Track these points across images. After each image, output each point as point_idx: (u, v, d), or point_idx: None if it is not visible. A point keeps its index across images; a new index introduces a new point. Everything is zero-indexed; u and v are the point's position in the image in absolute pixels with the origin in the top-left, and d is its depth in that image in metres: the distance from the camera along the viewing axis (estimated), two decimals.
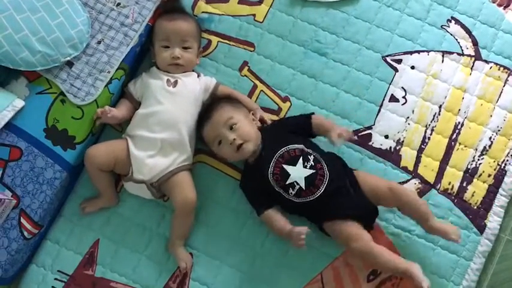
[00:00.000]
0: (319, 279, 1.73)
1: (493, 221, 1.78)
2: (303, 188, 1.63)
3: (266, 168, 1.65)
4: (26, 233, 1.65)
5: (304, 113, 1.79)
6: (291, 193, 1.63)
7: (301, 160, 1.65)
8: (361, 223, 1.65)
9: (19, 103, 1.67)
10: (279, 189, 1.64)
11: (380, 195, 1.66)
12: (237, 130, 1.65)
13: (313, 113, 1.78)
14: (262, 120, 1.77)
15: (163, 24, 1.76)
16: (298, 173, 1.64)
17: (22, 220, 1.65)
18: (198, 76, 1.78)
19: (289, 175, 1.64)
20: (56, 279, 1.73)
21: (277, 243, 1.75)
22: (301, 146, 1.67)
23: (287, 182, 1.64)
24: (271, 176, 1.65)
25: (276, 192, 1.65)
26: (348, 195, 1.65)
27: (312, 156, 1.65)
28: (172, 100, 1.70)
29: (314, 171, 1.64)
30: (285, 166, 1.65)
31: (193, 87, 1.74)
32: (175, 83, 1.72)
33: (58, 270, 1.73)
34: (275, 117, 1.83)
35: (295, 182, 1.63)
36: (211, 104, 1.74)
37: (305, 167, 1.64)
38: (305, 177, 1.63)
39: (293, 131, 1.73)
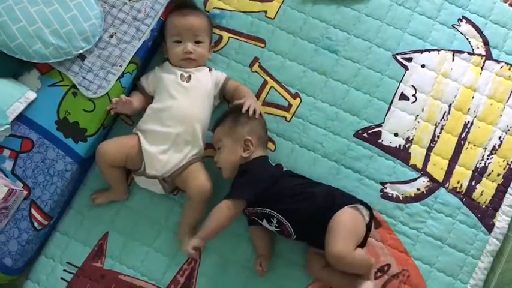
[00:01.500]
0: None
1: (502, 220, 1.78)
2: (277, 233, 1.67)
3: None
4: (36, 224, 1.66)
5: None
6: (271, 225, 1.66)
7: (265, 221, 1.66)
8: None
9: (31, 95, 1.69)
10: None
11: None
12: (219, 154, 1.70)
13: None
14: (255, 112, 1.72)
15: (175, 20, 1.77)
16: (267, 226, 1.67)
17: (33, 211, 1.66)
18: (210, 70, 1.79)
19: (261, 223, 1.68)
20: (64, 270, 1.74)
21: (284, 241, 1.74)
22: (259, 210, 1.64)
23: (262, 223, 1.67)
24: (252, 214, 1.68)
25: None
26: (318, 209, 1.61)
27: (274, 219, 1.63)
28: (186, 95, 1.70)
29: (279, 230, 1.65)
30: (253, 217, 1.68)
31: (205, 81, 1.75)
32: (189, 77, 1.73)
33: (67, 262, 1.74)
34: (284, 113, 1.83)
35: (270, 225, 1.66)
36: (229, 111, 1.76)
37: (270, 225, 1.65)
38: (275, 231, 1.67)
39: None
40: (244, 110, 1.69)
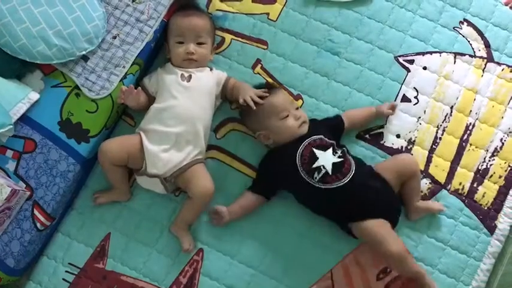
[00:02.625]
0: (329, 276, 1.74)
1: (504, 222, 1.78)
2: (329, 173, 1.64)
3: (296, 148, 1.68)
4: (38, 225, 1.66)
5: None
6: (315, 177, 1.64)
7: (331, 149, 1.68)
8: (391, 222, 1.67)
9: (34, 96, 1.69)
10: (303, 172, 1.65)
11: (400, 176, 1.71)
12: (300, 111, 1.75)
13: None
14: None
15: (177, 21, 1.78)
16: (326, 158, 1.66)
17: (35, 212, 1.66)
18: (211, 70, 1.80)
19: (317, 158, 1.66)
20: (66, 271, 1.74)
21: (288, 239, 1.76)
22: (332, 141, 1.71)
23: (313, 166, 1.65)
24: (300, 157, 1.67)
25: (299, 176, 1.65)
26: (377, 193, 1.66)
27: (340, 149, 1.69)
28: (187, 95, 1.71)
29: (342, 159, 1.67)
30: (314, 149, 1.67)
31: (207, 81, 1.75)
32: (190, 77, 1.73)
33: (69, 263, 1.74)
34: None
35: (322, 166, 1.65)
36: (266, 84, 1.82)
37: (334, 155, 1.67)
38: (333, 163, 1.65)
39: (328, 130, 1.75)
40: (241, 102, 1.70)
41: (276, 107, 1.71)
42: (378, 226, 1.63)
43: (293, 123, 1.71)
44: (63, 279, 1.73)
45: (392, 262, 1.63)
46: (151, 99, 1.76)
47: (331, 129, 1.76)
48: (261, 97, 1.71)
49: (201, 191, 1.66)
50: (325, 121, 1.81)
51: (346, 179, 1.64)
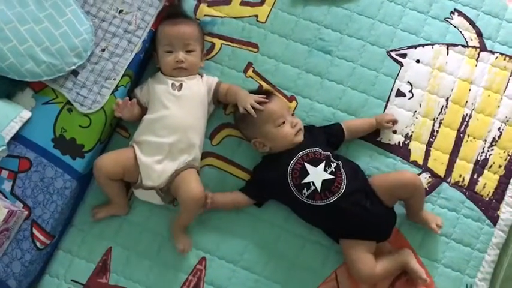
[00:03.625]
0: (333, 278, 1.73)
1: (506, 211, 1.77)
2: (318, 190, 1.62)
3: (288, 161, 1.66)
4: (38, 244, 1.65)
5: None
6: (304, 193, 1.63)
7: (323, 164, 1.65)
8: (376, 238, 1.67)
9: (26, 114, 1.68)
10: (293, 187, 1.64)
11: (393, 194, 1.66)
12: (296, 118, 1.74)
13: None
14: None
15: (165, 30, 1.76)
16: (317, 174, 1.64)
17: (34, 231, 1.65)
18: (202, 77, 1.78)
19: (308, 174, 1.64)
20: None
21: (290, 243, 1.75)
22: (327, 153, 1.67)
23: (303, 181, 1.63)
24: (290, 171, 1.64)
25: (288, 189, 1.64)
26: (364, 210, 1.62)
27: (334, 163, 1.65)
28: (178, 104, 1.69)
29: (333, 177, 1.63)
30: (306, 164, 1.64)
31: (198, 89, 1.74)
32: (180, 86, 1.72)
33: (72, 280, 1.73)
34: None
35: (312, 182, 1.63)
36: (262, 90, 1.80)
37: (325, 171, 1.64)
38: (322, 180, 1.63)
39: (325, 140, 1.73)
40: (242, 110, 1.69)
41: (272, 113, 1.69)
42: (352, 248, 1.64)
43: (289, 131, 1.69)
44: None
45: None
46: (144, 110, 1.74)
47: (329, 138, 1.74)
48: (260, 103, 1.69)
49: (188, 196, 1.63)
50: (324, 129, 1.78)
51: (333, 198, 1.61)
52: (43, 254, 1.69)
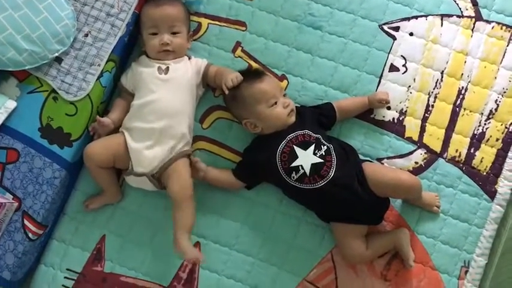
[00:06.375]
0: (329, 258, 1.71)
1: (504, 185, 1.74)
2: (307, 174, 1.59)
3: (277, 144, 1.63)
4: (30, 235, 1.64)
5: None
6: (293, 177, 1.60)
7: (313, 147, 1.61)
8: (366, 223, 1.64)
9: (11, 104, 1.65)
10: (282, 170, 1.61)
11: (387, 192, 1.62)
12: (287, 98, 1.70)
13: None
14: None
15: (149, 11, 1.71)
16: (306, 158, 1.60)
17: (25, 222, 1.64)
18: (189, 59, 1.74)
19: (297, 157, 1.60)
20: (65, 277, 1.72)
21: (285, 225, 1.73)
22: (317, 135, 1.63)
23: (292, 164, 1.60)
24: (279, 154, 1.61)
25: (277, 172, 1.61)
26: (354, 195, 1.58)
27: (325, 146, 1.62)
28: (165, 87, 1.66)
29: (322, 161, 1.60)
30: (295, 147, 1.61)
31: (185, 71, 1.70)
32: (167, 69, 1.68)
33: (67, 269, 1.72)
34: None
35: (301, 166, 1.59)
36: (252, 69, 1.75)
37: (315, 154, 1.60)
38: (312, 164, 1.59)
39: (316, 120, 1.69)
40: (225, 89, 1.65)
41: (265, 93, 1.65)
42: (341, 231, 1.63)
43: (282, 111, 1.65)
44: (63, 285, 1.71)
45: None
46: (132, 98, 1.70)
47: (320, 119, 1.70)
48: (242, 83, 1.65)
49: (176, 190, 1.60)
50: (315, 109, 1.73)
51: (322, 183, 1.58)
52: (36, 245, 1.69)
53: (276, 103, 1.65)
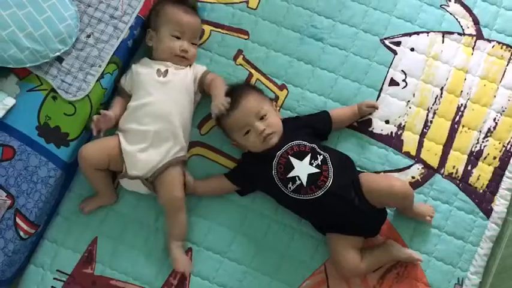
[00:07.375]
0: (322, 270, 1.70)
1: (500, 204, 1.73)
2: (304, 184, 1.58)
3: (273, 155, 1.61)
4: (22, 233, 1.62)
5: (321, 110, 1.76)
6: (290, 188, 1.59)
7: (309, 157, 1.60)
8: (363, 234, 1.63)
9: (10, 101, 1.64)
10: (278, 181, 1.60)
11: (381, 200, 1.60)
12: (267, 120, 1.62)
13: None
14: None
15: (178, 14, 1.72)
16: (302, 168, 1.59)
17: (18, 220, 1.62)
18: (190, 65, 1.74)
19: (293, 168, 1.59)
20: (55, 278, 1.70)
21: (279, 234, 1.72)
22: (313, 145, 1.62)
23: (288, 175, 1.59)
24: (276, 165, 1.60)
25: (274, 184, 1.60)
26: (351, 206, 1.57)
27: (321, 156, 1.61)
28: (163, 90, 1.66)
29: (319, 170, 1.59)
30: (291, 158, 1.60)
31: (184, 76, 1.70)
32: (166, 72, 1.68)
33: (57, 270, 1.71)
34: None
35: (297, 177, 1.58)
36: (236, 90, 1.68)
37: (311, 164, 1.59)
38: (308, 174, 1.58)
39: (311, 129, 1.69)
40: (213, 115, 1.62)
41: (235, 124, 1.64)
42: (337, 242, 1.61)
43: (254, 140, 1.62)
44: (52, 286, 1.69)
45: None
46: (130, 99, 1.70)
47: (316, 128, 1.70)
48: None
49: (167, 199, 1.61)
50: (311, 117, 1.73)
51: (319, 193, 1.57)
52: (27, 244, 1.67)
53: (248, 131, 1.63)
